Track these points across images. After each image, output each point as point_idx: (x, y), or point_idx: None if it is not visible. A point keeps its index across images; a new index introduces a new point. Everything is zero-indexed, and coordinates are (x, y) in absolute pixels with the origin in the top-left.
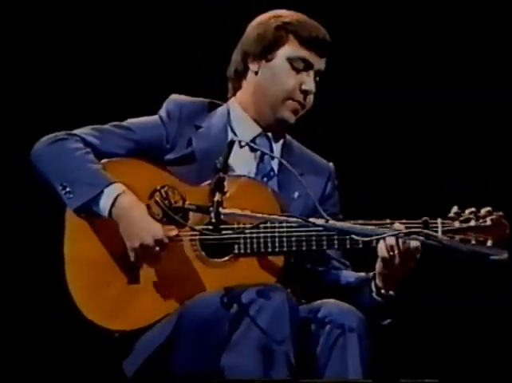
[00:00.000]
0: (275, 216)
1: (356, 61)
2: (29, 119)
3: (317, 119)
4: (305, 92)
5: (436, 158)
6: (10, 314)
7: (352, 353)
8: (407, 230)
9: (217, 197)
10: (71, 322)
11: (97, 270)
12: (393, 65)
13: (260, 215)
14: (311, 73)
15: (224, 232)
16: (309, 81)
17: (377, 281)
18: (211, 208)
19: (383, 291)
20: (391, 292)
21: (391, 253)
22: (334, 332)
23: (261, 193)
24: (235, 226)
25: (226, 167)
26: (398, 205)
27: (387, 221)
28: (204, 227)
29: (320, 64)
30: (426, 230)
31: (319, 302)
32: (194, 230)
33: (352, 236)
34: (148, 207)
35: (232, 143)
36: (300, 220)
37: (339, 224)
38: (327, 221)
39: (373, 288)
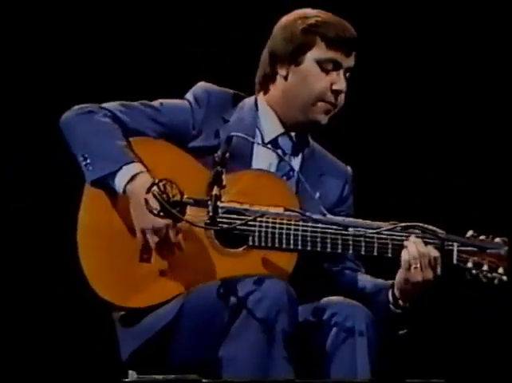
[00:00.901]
0: (272, 211)
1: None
2: (27, 119)
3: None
4: (337, 92)
5: (443, 161)
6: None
7: (361, 352)
8: (404, 224)
9: (215, 191)
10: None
11: (110, 243)
12: (399, 66)
13: (257, 209)
14: (341, 71)
15: (239, 223)
16: (339, 81)
17: (395, 291)
18: (209, 202)
19: (400, 302)
20: (407, 304)
21: (414, 263)
22: (343, 330)
23: (280, 187)
24: (249, 217)
25: (224, 161)
26: (401, 208)
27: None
28: (203, 220)
29: (349, 61)
30: (422, 224)
31: (326, 299)
32: (191, 224)
33: (349, 229)
34: (146, 200)
35: (231, 138)
36: (298, 214)
37: (336, 219)
38: (324, 215)
39: (390, 298)
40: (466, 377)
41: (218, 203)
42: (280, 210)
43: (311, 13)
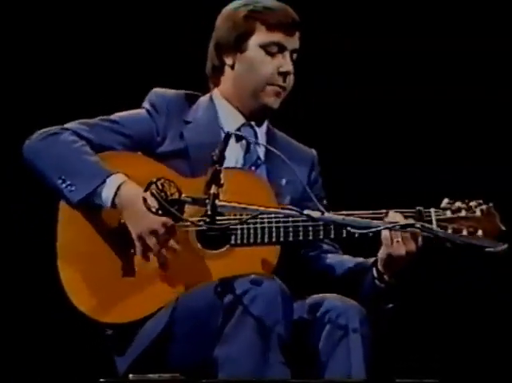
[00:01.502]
0: (272, 209)
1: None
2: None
3: (302, 107)
4: (284, 74)
5: (427, 148)
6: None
7: (355, 351)
8: (403, 222)
9: (213, 189)
10: (62, 321)
11: (91, 262)
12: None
13: (256, 208)
14: (286, 53)
15: (220, 223)
16: (285, 63)
17: (379, 267)
18: (208, 201)
19: (385, 277)
20: (392, 278)
21: (395, 237)
22: (337, 328)
23: (257, 184)
24: (232, 217)
25: (222, 160)
26: (389, 195)
27: (383, 211)
28: (200, 219)
29: (293, 43)
30: (421, 222)
31: (320, 296)
32: (190, 223)
33: (349, 229)
34: (144, 199)
35: (229, 135)
36: (295, 213)
37: (335, 217)
38: (323, 213)
39: (375, 274)
40: (460, 378)
41: (217, 202)
42: (277, 209)
43: (250, 0)
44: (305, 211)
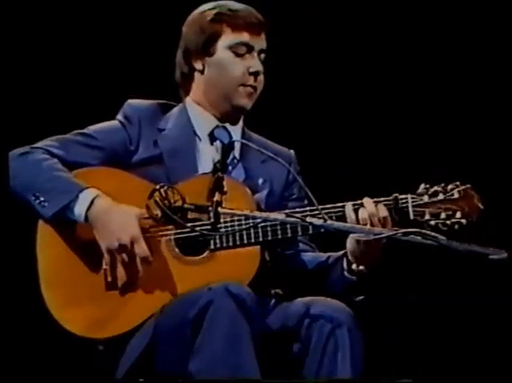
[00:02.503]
0: (274, 215)
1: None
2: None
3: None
4: (255, 74)
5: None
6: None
7: (342, 354)
8: (405, 230)
9: (216, 197)
10: (55, 338)
11: (73, 280)
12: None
13: (258, 214)
14: (254, 53)
15: (198, 228)
16: (254, 63)
17: (349, 256)
18: (210, 208)
19: (354, 267)
20: (361, 267)
21: (363, 223)
22: (325, 332)
23: (238, 192)
24: (208, 221)
25: (224, 167)
26: (367, 184)
27: (358, 202)
28: (202, 227)
29: (260, 42)
30: (423, 231)
31: (306, 300)
32: (193, 230)
33: (350, 235)
34: (147, 206)
35: (232, 143)
36: (298, 220)
37: (336, 224)
38: (325, 221)
39: (345, 265)
40: (434, 377)
41: (219, 209)
42: (282, 215)
43: (216, 4)
44: (308, 219)
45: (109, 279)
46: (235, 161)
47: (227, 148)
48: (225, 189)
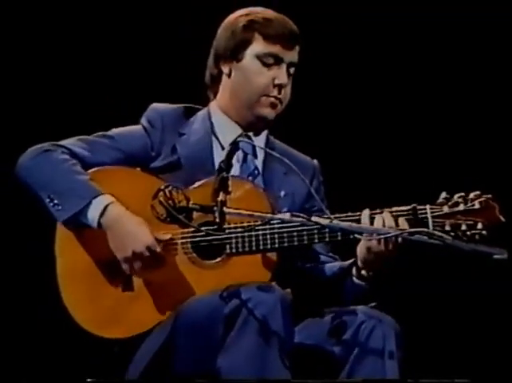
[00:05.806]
0: (279, 215)
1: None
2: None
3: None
4: (279, 86)
5: (427, 146)
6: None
7: (389, 357)
8: (411, 230)
9: (221, 197)
10: (70, 336)
11: (91, 281)
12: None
13: (264, 215)
14: (283, 66)
15: (204, 228)
16: (281, 75)
17: (358, 262)
18: (215, 208)
19: (363, 272)
20: (371, 273)
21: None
22: (372, 337)
23: (253, 193)
24: (229, 226)
25: (229, 167)
26: (387, 194)
27: (377, 211)
28: (208, 227)
29: (290, 56)
30: (429, 230)
31: (346, 310)
32: (198, 230)
33: (356, 235)
34: (152, 207)
35: (237, 143)
36: (303, 219)
37: (342, 224)
38: (331, 221)
39: (354, 272)
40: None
41: (225, 209)
42: (286, 216)
43: (252, 10)
44: (313, 218)
45: (126, 282)
46: (256, 172)
47: (232, 148)
48: (229, 189)
